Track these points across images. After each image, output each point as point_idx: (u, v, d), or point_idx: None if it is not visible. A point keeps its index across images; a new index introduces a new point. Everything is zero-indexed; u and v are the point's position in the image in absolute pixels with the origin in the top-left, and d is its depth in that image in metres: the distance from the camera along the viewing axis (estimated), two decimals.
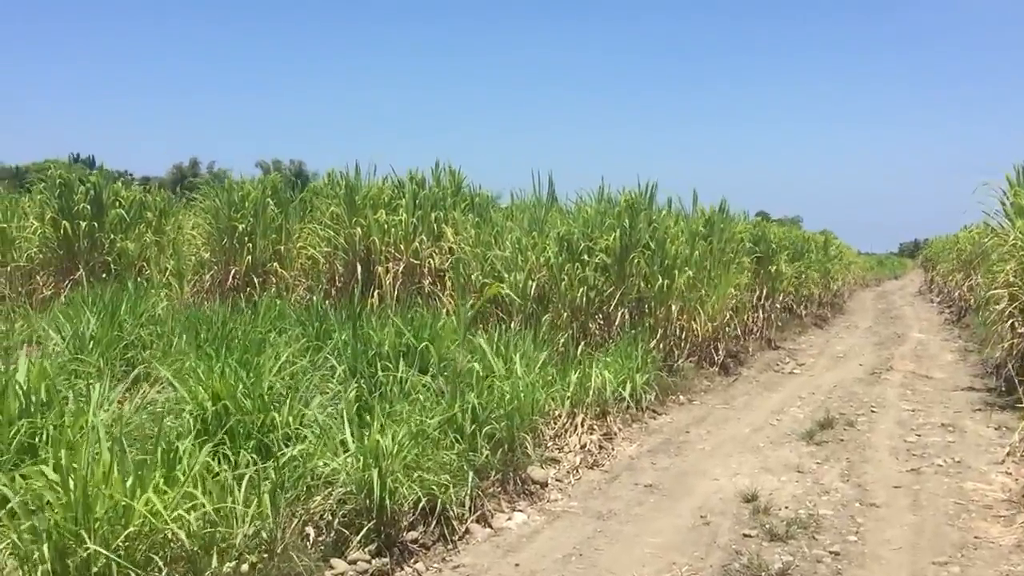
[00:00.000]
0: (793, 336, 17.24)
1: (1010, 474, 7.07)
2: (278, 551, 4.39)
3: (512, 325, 11.20)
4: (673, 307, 11.42)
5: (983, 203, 11.96)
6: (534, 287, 11.23)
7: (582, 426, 7.69)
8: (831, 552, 5.31)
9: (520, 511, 6.02)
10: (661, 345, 11.13)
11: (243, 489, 4.46)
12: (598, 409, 8.27)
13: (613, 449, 7.72)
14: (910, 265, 64.66)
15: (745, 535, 5.57)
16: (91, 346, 8.22)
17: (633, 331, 10.59)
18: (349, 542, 4.80)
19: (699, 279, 12.14)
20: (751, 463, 7.36)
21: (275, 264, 13.50)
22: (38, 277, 13.67)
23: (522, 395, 6.98)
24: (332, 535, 4.78)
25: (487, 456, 6.09)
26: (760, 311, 15.20)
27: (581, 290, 11.13)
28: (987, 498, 6.48)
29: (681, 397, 10.05)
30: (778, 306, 16.08)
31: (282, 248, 13.56)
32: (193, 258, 13.77)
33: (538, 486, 6.50)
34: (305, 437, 5.36)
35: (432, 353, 7.87)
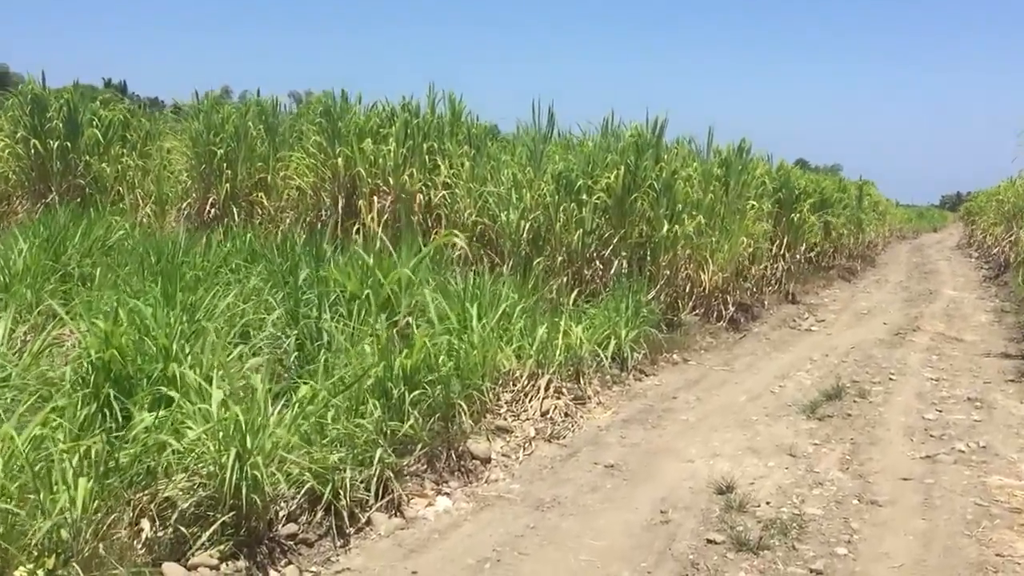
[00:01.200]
0: (816, 290, 15.92)
1: None
2: (84, 552, 3.36)
3: (504, 269, 10.20)
4: (679, 255, 10.20)
5: None
6: (526, 228, 10.10)
7: (546, 389, 6.58)
8: (811, 571, 4.19)
9: (446, 495, 4.96)
10: (662, 296, 9.95)
11: (71, 466, 3.46)
12: (572, 369, 7.15)
13: (581, 418, 6.60)
14: (951, 218, 62.33)
15: (709, 541, 4.46)
16: (21, 276, 7.31)
17: (629, 280, 9.42)
18: (196, 539, 3.75)
19: (711, 225, 10.90)
20: (737, 441, 6.21)
21: (260, 194, 12.44)
22: (14, 199, 12.78)
23: (469, 352, 5.89)
24: (170, 532, 3.72)
25: (413, 426, 5.01)
26: (780, 262, 13.90)
27: (577, 233, 9.98)
28: (1016, 498, 5.29)
29: (676, 356, 8.89)
30: (800, 258, 14.75)
31: (268, 177, 12.48)
32: (178, 185, 12.79)
33: (478, 463, 5.42)
34: (171, 400, 4.31)
35: (400, 298, 6.87)
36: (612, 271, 9.87)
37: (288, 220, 12.28)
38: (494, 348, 6.36)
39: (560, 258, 10.14)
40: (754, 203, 11.77)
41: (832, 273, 18.16)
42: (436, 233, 11.32)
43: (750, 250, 11.68)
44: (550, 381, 6.69)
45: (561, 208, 10.03)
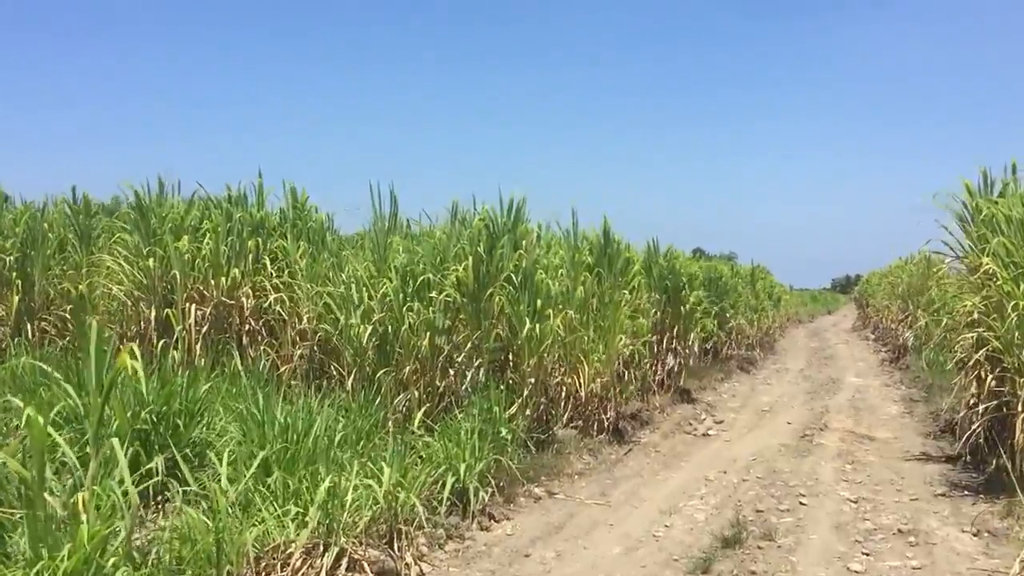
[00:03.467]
0: (715, 383, 14.23)
1: None
2: None
3: (348, 384, 8.27)
4: (546, 358, 8.34)
5: (929, 225, 8.99)
6: (368, 333, 8.18)
7: (334, 568, 4.52)
8: None
9: None
10: (528, 409, 8.03)
11: None
12: (385, 528, 5.13)
13: None
14: (843, 300, 62.60)
15: None
16: None
17: (486, 392, 7.51)
18: None
19: (583, 322, 9.10)
20: None
21: (67, 307, 10.22)
22: None
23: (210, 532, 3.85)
24: None
25: None
26: (671, 357, 12.18)
27: (426, 336, 8.09)
28: None
29: (536, 489, 6.91)
30: (693, 350, 13.07)
31: (82, 287, 10.26)
32: None
33: None
34: None
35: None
36: (467, 382, 7.95)
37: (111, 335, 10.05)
38: (248, 521, 4.32)
39: (408, 367, 8.20)
40: (628, 294, 10.02)
41: (731, 364, 16.58)
42: (268, 344, 9.33)
43: (630, 347, 9.88)
44: (343, 553, 4.64)
45: (407, 308, 8.14)
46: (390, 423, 7.97)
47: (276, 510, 4.65)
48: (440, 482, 5.90)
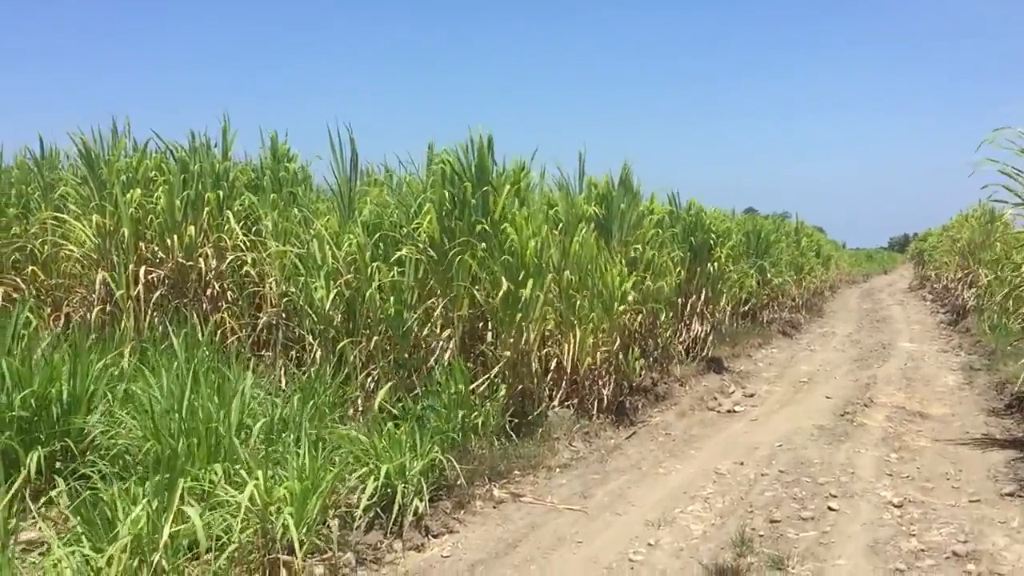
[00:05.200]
0: (750, 350, 12.64)
1: None
2: None
3: (315, 358, 7.07)
4: (531, 328, 6.91)
5: (990, 174, 7.33)
6: (330, 298, 6.89)
7: None
8: None
9: None
10: (504, 388, 6.63)
11: None
12: (262, 556, 3.80)
13: None
14: (900, 259, 59.70)
15: None
16: None
17: (450, 369, 6.13)
18: None
19: (582, 284, 7.64)
20: None
21: (32, 268, 9.05)
22: None
23: None
24: None
25: None
26: (698, 322, 10.64)
27: (385, 302, 6.78)
28: None
29: (497, 491, 5.49)
30: (725, 314, 11.49)
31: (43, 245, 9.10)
32: None
33: None
34: None
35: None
36: (435, 355, 6.58)
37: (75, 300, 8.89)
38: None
39: (376, 338, 6.88)
40: (644, 250, 8.50)
41: (771, 328, 14.93)
42: (229, 312, 8.10)
43: (641, 313, 8.40)
44: None
45: (373, 268, 6.82)
46: (355, 403, 6.72)
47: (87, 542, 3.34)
48: (362, 488, 4.55)
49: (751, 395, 9.59)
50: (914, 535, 4.78)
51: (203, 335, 7.47)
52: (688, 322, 10.50)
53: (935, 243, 25.19)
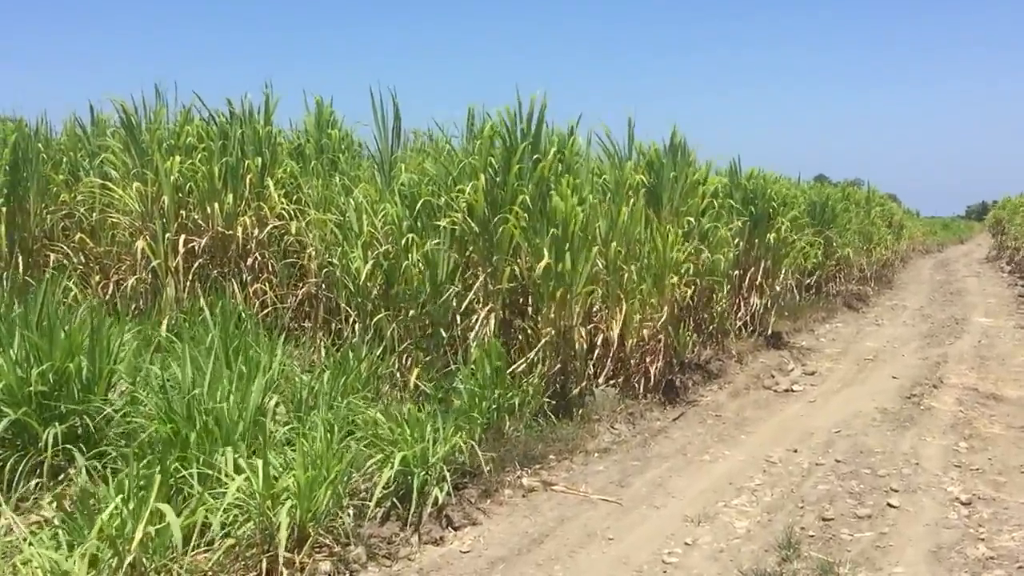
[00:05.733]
0: (813, 324, 12.05)
1: None
2: None
3: (354, 331, 6.87)
4: (574, 302, 6.52)
5: None
6: (366, 269, 6.63)
7: None
8: None
9: None
10: (543, 365, 6.27)
11: None
12: (256, 552, 3.54)
13: None
14: (977, 228, 57.39)
15: None
16: None
17: (489, 346, 5.79)
18: None
19: (631, 256, 7.22)
20: None
21: (80, 236, 8.95)
22: None
23: None
24: None
25: None
26: (757, 296, 10.11)
27: (422, 274, 6.49)
28: None
29: (526, 479, 5.13)
30: (786, 286, 10.90)
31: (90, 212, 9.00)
32: None
33: None
34: None
35: None
36: (474, 332, 6.24)
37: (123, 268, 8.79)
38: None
39: (413, 312, 6.60)
40: (697, 220, 8.02)
41: (836, 301, 14.25)
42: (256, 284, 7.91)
43: (692, 289, 7.94)
44: None
45: (411, 239, 6.52)
46: (391, 380, 6.45)
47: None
48: (369, 476, 4.25)
49: (811, 373, 9.07)
50: (983, 539, 4.31)
51: (243, 305, 7.32)
52: (747, 295, 9.98)
53: (1013, 211, 23.92)
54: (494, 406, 5.57)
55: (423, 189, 6.68)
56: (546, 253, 6.19)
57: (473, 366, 5.73)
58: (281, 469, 4.02)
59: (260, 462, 3.63)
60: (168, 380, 4.73)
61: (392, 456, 4.24)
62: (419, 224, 6.67)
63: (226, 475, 3.74)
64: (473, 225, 6.55)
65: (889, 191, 25.20)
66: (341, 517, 3.93)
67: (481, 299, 6.51)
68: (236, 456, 3.96)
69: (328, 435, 4.24)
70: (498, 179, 6.44)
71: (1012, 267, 21.97)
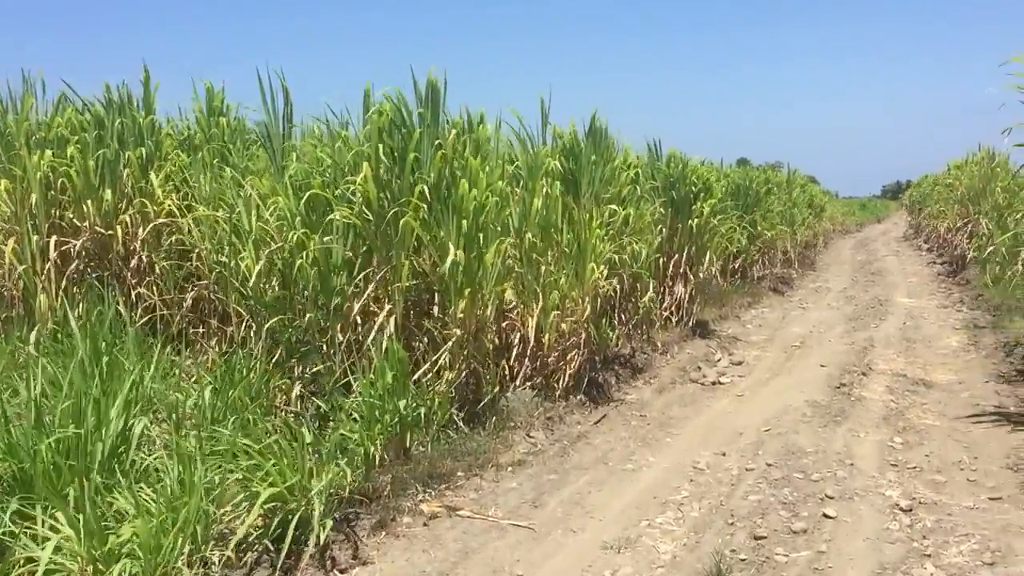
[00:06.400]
0: (739, 311, 11.70)
1: None
2: None
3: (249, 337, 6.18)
4: (486, 299, 5.94)
5: (986, 126, 6.35)
6: (257, 270, 5.95)
7: None
8: None
9: None
10: (455, 369, 5.69)
11: None
12: None
13: None
14: (893, 207, 58.58)
15: None
16: None
17: (387, 352, 5.17)
18: None
19: (547, 247, 6.68)
20: None
21: None
22: None
23: None
24: None
25: None
26: (682, 284, 9.67)
27: (312, 272, 5.85)
28: None
29: (425, 505, 4.54)
30: (711, 273, 10.49)
31: None
32: None
33: None
34: None
35: None
36: (371, 336, 5.61)
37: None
38: None
39: (308, 315, 5.94)
40: (616, 208, 7.52)
41: (762, 285, 13.97)
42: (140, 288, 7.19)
43: (611, 280, 7.42)
44: None
45: (301, 235, 5.85)
46: (286, 392, 5.80)
47: None
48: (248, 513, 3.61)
49: (739, 363, 8.67)
50: (929, 555, 3.86)
51: (127, 312, 6.60)
52: (671, 284, 9.53)
53: (929, 190, 24.16)
54: (395, 419, 4.97)
55: (314, 180, 6.02)
56: (452, 247, 5.59)
57: (372, 375, 5.12)
58: (132, 513, 3.37)
59: (81, 517, 2.96)
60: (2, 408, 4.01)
61: (262, 488, 3.60)
62: (312, 219, 6.01)
63: (50, 530, 3.06)
64: (363, 219, 5.90)
65: (808, 172, 25.18)
66: (199, 570, 3.28)
67: (376, 299, 5.89)
68: (79, 494, 3.29)
69: (191, 466, 3.58)
70: (396, 168, 5.81)
71: (929, 246, 22.13)
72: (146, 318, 6.92)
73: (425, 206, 5.65)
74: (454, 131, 5.91)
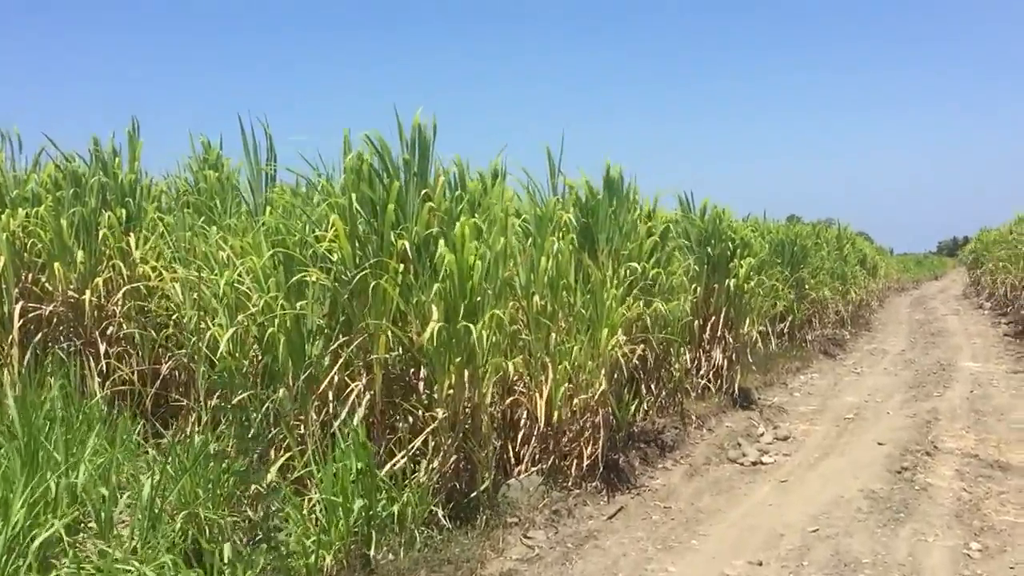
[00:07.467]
0: (786, 377, 10.62)
1: None
2: None
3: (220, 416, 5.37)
4: (476, 376, 5.05)
5: None
6: (227, 337, 5.17)
7: None
8: None
9: None
10: (440, 456, 4.79)
11: None
12: None
13: None
14: (950, 264, 56.48)
15: None
16: None
17: (354, 436, 4.31)
18: None
19: (554, 313, 5.78)
20: None
21: None
22: None
23: None
24: None
25: None
26: (719, 350, 8.66)
27: (281, 340, 5.02)
28: None
29: None
30: (751, 337, 9.42)
31: None
32: None
33: None
34: None
35: None
36: (340, 418, 4.75)
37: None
38: None
39: (282, 391, 5.11)
40: (641, 267, 6.60)
41: (811, 348, 12.83)
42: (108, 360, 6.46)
43: (637, 346, 6.48)
44: None
45: (269, 299, 5.06)
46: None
47: None
48: None
49: (784, 438, 7.62)
50: None
51: (98, 384, 5.90)
52: (708, 349, 8.54)
53: (989, 246, 22.73)
54: (359, 520, 4.09)
55: (287, 239, 5.25)
56: (435, 312, 4.74)
57: (336, 468, 4.26)
58: None
59: None
60: None
61: None
62: (286, 280, 5.22)
63: None
64: (335, 281, 5.09)
65: (861, 228, 24.01)
66: None
67: (351, 374, 5.05)
68: None
69: None
70: (371, 221, 5.01)
71: (992, 304, 20.68)
72: (121, 390, 6.19)
73: (401, 266, 4.82)
74: (442, 178, 5.09)
